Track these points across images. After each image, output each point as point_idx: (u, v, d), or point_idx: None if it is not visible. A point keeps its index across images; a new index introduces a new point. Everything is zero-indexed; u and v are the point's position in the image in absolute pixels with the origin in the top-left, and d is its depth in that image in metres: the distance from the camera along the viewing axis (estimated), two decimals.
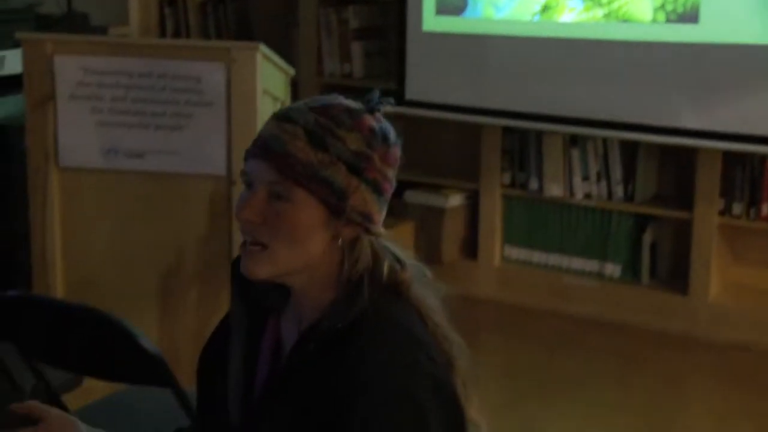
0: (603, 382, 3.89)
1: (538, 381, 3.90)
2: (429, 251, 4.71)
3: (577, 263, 4.54)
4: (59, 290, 3.22)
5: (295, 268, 1.46)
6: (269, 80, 3.14)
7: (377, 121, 1.50)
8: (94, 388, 2.79)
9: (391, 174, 1.51)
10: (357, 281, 1.46)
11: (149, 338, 2.27)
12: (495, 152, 4.61)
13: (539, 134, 4.50)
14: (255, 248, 1.46)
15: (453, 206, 4.72)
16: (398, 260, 1.50)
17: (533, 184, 4.56)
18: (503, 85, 4.35)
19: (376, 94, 1.53)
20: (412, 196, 4.76)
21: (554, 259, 4.58)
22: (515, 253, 4.66)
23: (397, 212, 4.80)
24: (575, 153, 4.46)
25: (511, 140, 4.60)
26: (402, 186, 4.79)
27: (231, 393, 1.54)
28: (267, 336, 1.55)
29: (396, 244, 1.53)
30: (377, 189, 1.48)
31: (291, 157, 1.43)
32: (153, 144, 3.14)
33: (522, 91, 4.31)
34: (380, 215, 1.50)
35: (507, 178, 4.63)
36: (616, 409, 3.69)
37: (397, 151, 1.52)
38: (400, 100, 4.47)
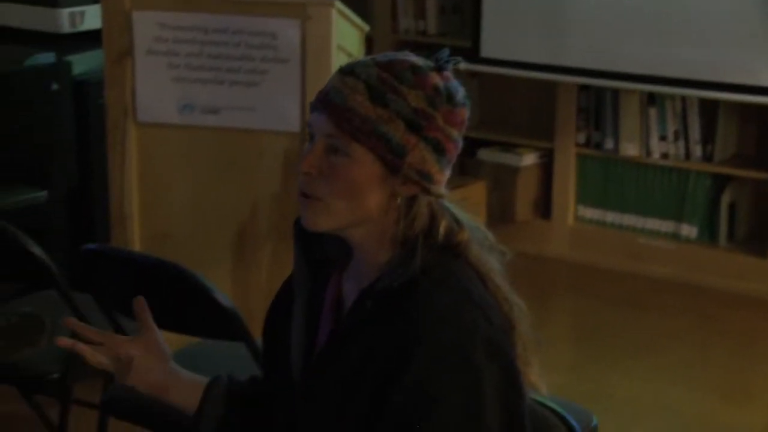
0: (677, 344, 3.85)
1: (609, 342, 3.87)
2: (502, 210, 4.69)
3: (653, 224, 4.48)
4: (136, 244, 3.27)
5: (352, 222, 1.46)
6: (344, 37, 3.14)
7: (444, 80, 1.49)
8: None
9: (456, 135, 1.49)
10: (414, 240, 1.45)
11: (223, 293, 2.30)
12: (570, 111, 4.56)
13: (616, 93, 4.44)
14: (311, 200, 1.47)
15: (527, 165, 4.68)
16: (456, 221, 1.49)
17: (609, 144, 4.51)
18: (580, 42, 4.29)
19: (446, 52, 1.52)
20: (485, 155, 4.74)
21: (629, 219, 4.53)
22: (589, 213, 4.62)
23: (470, 171, 4.79)
24: (653, 112, 4.38)
25: (587, 99, 4.54)
26: (475, 144, 4.80)
27: (293, 349, 1.55)
28: (329, 293, 1.56)
29: (459, 206, 1.52)
30: (438, 148, 1.46)
31: (349, 111, 1.43)
32: (228, 100, 3.15)
33: (599, 49, 4.24)
34: (441, 175, 1.48)
35: (582, 138, 4.58)
36: (690, 370, 3.66)
37: (464, 112, 1.50)
38: (475, 57, 4.43)
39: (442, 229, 1.46)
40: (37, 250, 2.53)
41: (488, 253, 1.52)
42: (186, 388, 1.64)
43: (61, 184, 3.82)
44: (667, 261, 4.40)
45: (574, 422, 1.68)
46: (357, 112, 1.43)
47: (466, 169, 4.81)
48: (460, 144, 1.51)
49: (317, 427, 1.48)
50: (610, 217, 4.58)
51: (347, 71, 1.47)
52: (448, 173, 1.50)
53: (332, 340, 1.51)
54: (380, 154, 1.43)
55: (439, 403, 1.37)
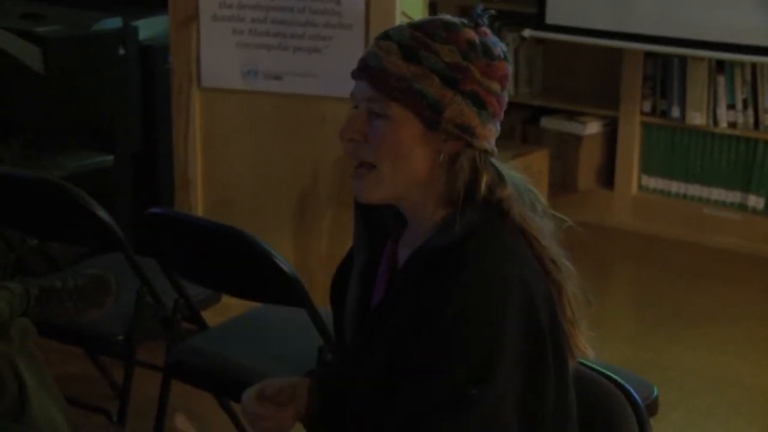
0: (740, 316, 3.80)
1: (671, 313, 3.84)
2: (564, 179, 4.66)
3: (718, 194, 4.42)
4: (199, 209, 3.30)
5: (403, 187, 1.47)
6: (408, 2, 3.12)
7: (481, 35, 1.49)
8: (232, 305, 2.87)
9: (497, 88, 1.49)
10: (458, 197, 1.46)
11: (284, 258, 2.32)
12: (636, 78, 4.49)
13: (683, 60, 4.36)
14: (362, 170, 1.48)
15: (590, 133, 4.64)
16: (500, 176, 1.49)
17: (675, 112, 4.44)
18: (646, 8, 4.22)
19: (479, 8, 1.53)
20: (548, 123, 4.70)
21: (694, 189, 4.47)
22: (653, 182, 4.57)
23: (532, 139, 4.75)
24: (721, 80, 4.30)
25: (653, 66, 4.47)
26: (539, 112, 4.76)
27: (347, 314, 1.58)
28: (384, 260, 1.57)
29: (508, 165, 1.52)
30: (477, 101, 1.47)
31: (384, 72, 1.45)
32: (291, 66, 3.16)
33: (666, 15, 4.17)
34: (484, 129, 1.48)
35: (647, 106, 4.51)
36: (753, 342, 3.61)
37: (504, 66, 1.50)
38: (541, 24, 4.38)
39: (483, 184, 1.47)
40: (103, 214, 2.57)
41: (540, 216, 1.51)
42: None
43: (127, 148, 3.86)
44: (732, 232, 4.34)
45: (634, 393, 1.67)
46: (391, 72, 1.45)
47: (528, 137, 4.78)
48: (505, 99, 1.51)
49: (368, 388, 1.49)
50: (675, 186, 4.52)
51: (382, 35, 1.50)
52: (494, 128, 1.51)
53: (382, 303, 1.53)
54: (418, 111, 1.44)
55: (455, 354, 1.39)
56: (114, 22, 3.79)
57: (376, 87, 1.45)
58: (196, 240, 2.49)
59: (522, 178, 1.53)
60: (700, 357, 3.52)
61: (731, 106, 4.31)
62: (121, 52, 3.78)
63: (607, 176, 4.67)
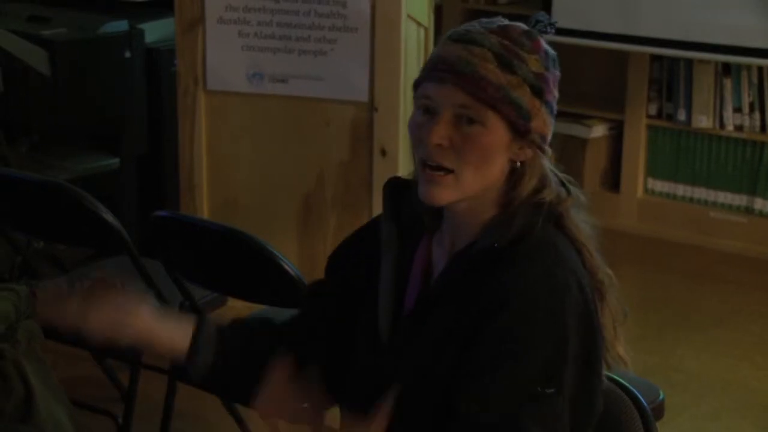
0: (746, 319, 3.80)
1: (677, 316, 3.83)
2: None
3: (724, 197, 4.41)
4: (205, 212, 3.31)
5: (476, 191, 1.47)
6: (414, 5, 3.12)
7: (545, 43, 1.52)
8: (237, 308, 2.87)
9: (557, 96, 1.52)
10: (518, 203, 1.46)
11: (289, 261, 2.32)
12: (642, 81, 4.49)
13: (689, 63, 4.36)
14: (439, 173, 1.46)
15: (596, 137, 4.63)
16: (564, 186, 1.50)
17: (681, 115, 4.43)
18: (652, 11, 4.21)
19: (545, 16, 1.53)
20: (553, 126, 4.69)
21: (700, 192, 4.47)
22: (659, 185, 4.56)
23: None
24: (727, 83, 4.30)
25: (659, 69, 4.47)
26: None
27: (381, 311, 1.55)
28: (418, 257, 1.56)
29: (558, 167, 1.53)
30: (552, 111, 1.50)
31: (483, 80, 1.44)
32: (297, 69, 3.16)
33: (672, 18, 4.17)
34: (551, 137, 1.51)
35: (653, 109, 4.51)
36: (759, 346, 3.60)
37: (559, 75, 1.53)
38: None
39: (551, 193, 1.48)
40: (108, 217, 2.57)
41: (583, 217, 1.53)
42: (174, 329, 1.57)
43: (133, 151, 3.87)
44: (739, 235, 4.33)
45: (640, 396, 1.66)
46: (490, 81, 1.44)
47: None
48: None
49: (408, 387, 1.48)
50: (681, 190, 4.51)
51: (467, 40, 1.47)
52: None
53: (423, 302, 1.52)
54: (512, 120, 1.45)
55: (524, 352, 1.39)
56: (120, 26, 3.80)
57: (473, 94, 1.44)
58: (201, 242, 2.49)
59: (567, 178, 1.54)
60: (706, 360, 3.52)
61: (738, 109, 4.31)
62: (127, 55, 3.79)
63: (613, 179, 4.66)
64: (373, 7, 3.04)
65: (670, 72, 4.45)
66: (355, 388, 1.57)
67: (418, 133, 1.47)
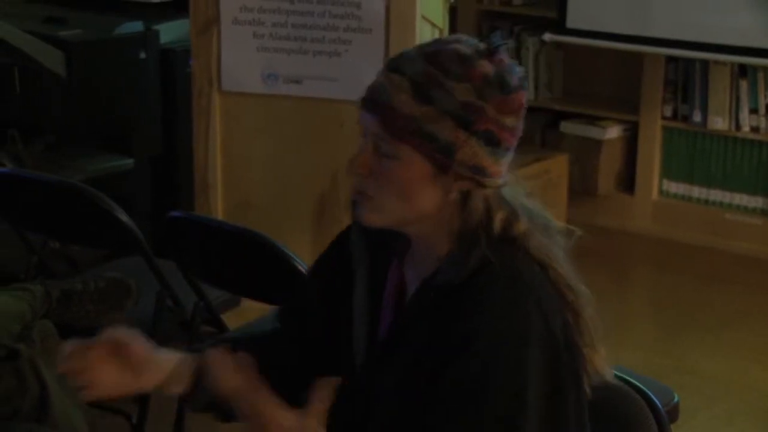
0: (762, 322, 3.78)
1: (692, 318, 3.82)
2: (584, 183, 4.64)
3: (740, 199, 4.39)
4: (219, 212, 3.31)
5: (406, 220, 1.44)
6: (428, 7, 3.12)
7: (496, 65, 1.41)
8: (251, 309, 2.87)
9: (513, 122, 1.43)
10: (472, 234, 1.41)
11: (303, 262, 2.32)
12: (657, 83, 4.48)
13: (705, 64, 4.34)
14: (364, 198, 1.44)
15: (610, 138, 4.62)
16: (514, 212, 1.44)
17: (696, 117, 4.42)
18: (668, 12, 4.20)
19: (498, 35, 1.44)
20: (568, 127, 4.68)
21: (715, 194, 4.45)
22: (674, 187, 4.55)
23: (552, 143, 4.74)
24: (744, 84, 4.28)
25: (675, 70, 4.46)
26: (558, 116, 4.74)
27: (356, 335, 1.53)
28: (391, 279, 1.53)
29: (519, 191, 1.47)
30: (491, 141, 1.40)
31: (393, 111, 1.38)
32: (311, 70, 3.17)
33: (687, 19, 4.15)
34: (497, 166, 1.42)
35: (668, 110, 4.50)
36: None
37: (520, 97, 1.43)
38: (561, 28, 4.37)
39: (498, 223, 1.42)
40: (123, 217, 2.58)
41: (550, 238, 1.47)
42: (173, 376, 1.57)
43: (147, 151, 3.88)
44: (755, 237, 4.31)
45: (655, 398, 1.66)
46: (401, 112, 1.38)
47: (548, 142, 4.76)
48: (520, 128, 1.45)
49: (381, 413, 1.47)
50: (696, 191, 4.50)
51: (393, 67, 1.42)
52: (507, 161, 1.45)
53: (394, 330, 1.49)
54: (428, 154, 1.38)
55: (484, 395, 1.37)
56: (135, 26, 3.81)
57: (385, 125, 1.39)
58: (215, 243, 2.49)
59: (533, 203, 1.48)
60: (720, 363, 3.50)
61: (754, 111, 4.29)
62: (143, 56, 3.80)
63: (628, 181, 4.65)
64: (387, 8, 3.04)
65: (686, 73, 4.43)
66: (335, 410, 1.54)
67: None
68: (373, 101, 1.42)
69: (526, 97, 1.44)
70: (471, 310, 1.39)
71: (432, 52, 1.41)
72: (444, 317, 1.41)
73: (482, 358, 1.37)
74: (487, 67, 1.40)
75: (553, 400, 1.39)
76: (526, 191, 1.48)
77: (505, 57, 1.43)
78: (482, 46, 1.42)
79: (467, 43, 1.43)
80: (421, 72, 1.39)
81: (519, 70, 1.44)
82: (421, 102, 1.38)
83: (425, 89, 1.38)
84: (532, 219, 1.46)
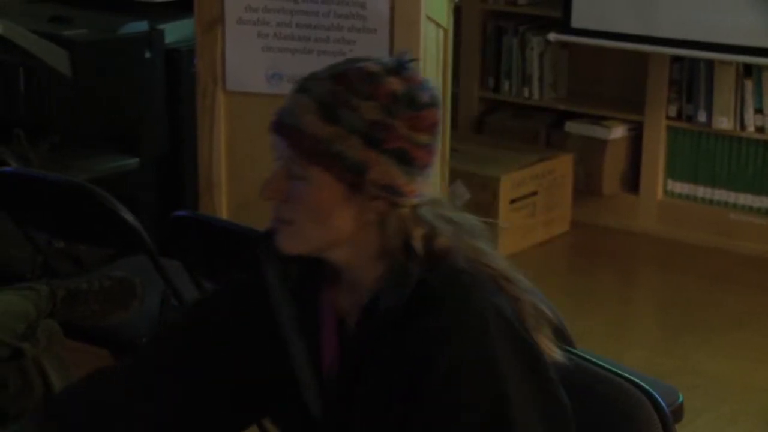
0: (765, 321, 3.78)
1: (696, 319, 3.81)
2: (589, 183, 4.64)
3: (745, 199, 4.39)
4: (224, 212, 3.31)
5: (326, 244, 1.41)
6: (433, 7, 3.12)
7: (406, 83, 1.40)
8: None
9: (426, 139, 1.40)
10: (402, 252, 1.40)
11: None
12: (662, 83, 4.47)
13: (710, 64, 4.34)
14: (282, 225, 1.42)
15: (615, 138, 4.62)
16: (433, 228, 1.41)
17: (701, 117, 4.41)
18: (673, 11, 4.20)
19: (407, 53, 1.44)
20: (573, 127, 4.68)
21: (720, 194, 4.45)
22: (678, 187, 4.54)
23: (557, 143, 4.74)
24: (749, 84, 4.28)
25: (680, 70, 4.45)
26: (563, 116, 4.74)
27: (301, 375, 1.47)
28: (326, 312, 1.48)
29: (439, 204, 1.45)
30: (403, 159, 1.38)
31: (300, 133, 1.37)
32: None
33: (692, 18, 4.15)
34: (412, 185, 1.40)
35: (673, 110, 4.49)
36: None
37: (433, 114, 1.41)
38: (566, 27, 4.37)
39: (417, 242, 1.39)
40: (128, 217, 2.58)
41: (478, 239, 1.45)
42: None
43: (152, 151, 3.88)
44: (759, 237, 4.31)
45: (659, 398, 1.66)
46: (308, 133, 1.37)
47: (552, 142, 4.76)
48: (437, 145, 1.43)
49: None
50: (701, 191, 4.49)
51: (300, 88, 1.41)
52: (424, 179, 1.42)
53: (345, 366, 1.45)
54: (338, 175, 1.37)
55: (466, 406, 1.36)
56: (140, 26, 3.82)
57: (293, 147, 1.38)
58: (220, 242, 2.49)
59: (455, 212, 1.46)
60: (725, 363, 3.50)
61: (759, 111, 4.28)
62: (147, 55, 3.80)
63: (632, 181, 4.65)
64: (392, 8, 3.04)
65: (691, 73, 4.43)
66: None
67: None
68: (282, 124, 1.40)
69: (439, 114, 1.43)
70: (425, 328, 1.37)
71: (339, 72, 1.40)
72: (399, 342, 1.39)
73: (452, 371, 1.35)
74: (395, 84, 1.39)
75: (533, 381, 1.39)
76: (445, 204, 1.46)
77: (416, 74, 1.42)
78: (391, 63, 1.41)
79: (377, 61, 1.42)
80: (328, 92, 1.38)
81: (431, 88, 1.43)
82: (328, 122, 1.37)
83: (332, 109, 1.37)
84: (457, 226, 1.44)
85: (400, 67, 1.41)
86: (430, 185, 1.44)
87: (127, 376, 1.53)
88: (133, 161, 3.86)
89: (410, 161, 1.39)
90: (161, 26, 3.84)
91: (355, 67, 1.40)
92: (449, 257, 1.41)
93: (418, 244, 1.39)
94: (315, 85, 1.40)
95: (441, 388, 1.36)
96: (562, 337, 2.08)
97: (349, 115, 1.37)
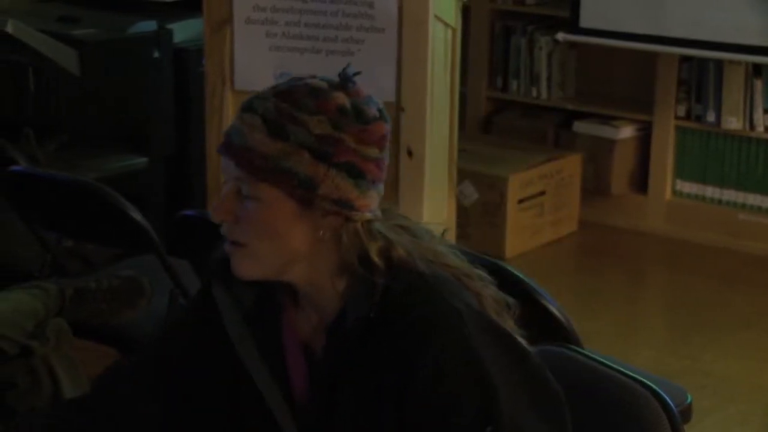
0: None
1: (705, 319, 3.81)
2: (597, 183, 4.63)
3: (754, 199, 4.38)
4: None
5: (283, 264, 1.40)
6: (441, 6, 3.12)
7: (353, 97, 1.40)
8: None
9: (375, 153, 1.40)
10: (362, 263, 1.39)
11: None
12: (671, 83, 4.47)
13: (719, 64, 4.33)
14: (235, 247, 1.40)
15: (624, 138, 4.61)
16: (389, 241, 1.41)
17: (710, 117, 4.41)
18: (681, 11, 4.19)
19: (351, 69, 1.43)
20: (581, 127, 4.67)
21: (729, 194, 4.44)
22: (687, 187, 4.53)
23: (565, 143, 4.73)
24: (758, 84, 4.27)
25: (689, 70, 4.44)
26: (571, 116, 4.73)
27: (270, 401, 1.45)
28: (287, 336, 1.47)
29: (390, 214, 1.45)
30: (353, 172, 1.38)
31: (249, 151, 1.36)
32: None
33: (701, 18, 4.14)
34: (365, 198, 1.40)
35: (682, 110, 4.48)
36: None
37: (381, 128, 1.41)
38: (574, 27, 4.36)
39: (375, 256, 1.39)
40: (136, 216, 2.59)
41: (432, 240, 1.46)
42: None
43: (160, 150, 3.89)
44: (767, 237, 4.30)
45: (667, 398, 1.65)
46: (257, 151, 1.36)
47: (561, 141, 4.76)
48: (386, 160, 1.43)
49: None
50: (710, 191, 4.48)
51: (246, 107, 1.40)
52: (376, 193, 1.42)
53: (320, 386, 1.44)
54: (289, 191, 1.36)
55: (456, 411, 1.35)
56: (149, 26, 3.82)
57: (242, 167, 1.36)
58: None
59: (408, 220, 1.47)
60: (734, 364, 3.49)
61: None
62: (156, 55, 3.81)
63: (641, 181, 4.64)
64: (400, 8, 3.03)
65: (700, 73, 4.42)
66: None
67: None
68: (230, 145, 1.39)
69: (387, 128, 1.43)
70: (399, 335, 1.37)
71: (284, 89, 1.40)
72: (372, 356, 1.38)
73: (436, 372, 1.35)
74: (342, 98, 1.39)
75: (519, 368, 1.38)
76: (395, 212, 1.46)
77: (361, 89, 1.42)
78: (336, 80, 1.41)
79: (321, 78, 1.43)
80: (274, 109, 1.38)
81: (377, 102, 1.43)
82: (275, 139, 1.36)
83: (279, 125, 1.36)
84: (410, 232, 1.44)
85: (345, 82, 1.41)
86: (380, 200, 1.44)
87: (98, 406, 1.53)
88: (141, 160, 3.86)
89: (361, 174, 1.39)
90: (170, 26, 3.84)
91: (299, 84, 1.41)
92: (409, 264, 1.41)
93: (375, 258, 1.39)
94: (260, 103, 1.39)
95: (428, 391, 1.35)
96: (569, 336, 2.09)
97: (296, 130, 1.36)
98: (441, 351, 1.35)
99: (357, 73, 1.43)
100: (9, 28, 3.50)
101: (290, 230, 1.38)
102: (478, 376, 1.35)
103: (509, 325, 1.45)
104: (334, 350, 1.42)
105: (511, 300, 1.46)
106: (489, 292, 1.45)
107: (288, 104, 1.38)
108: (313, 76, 1.43)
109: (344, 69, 1.43)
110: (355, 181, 1.39)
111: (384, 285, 1.38)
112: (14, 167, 2.82)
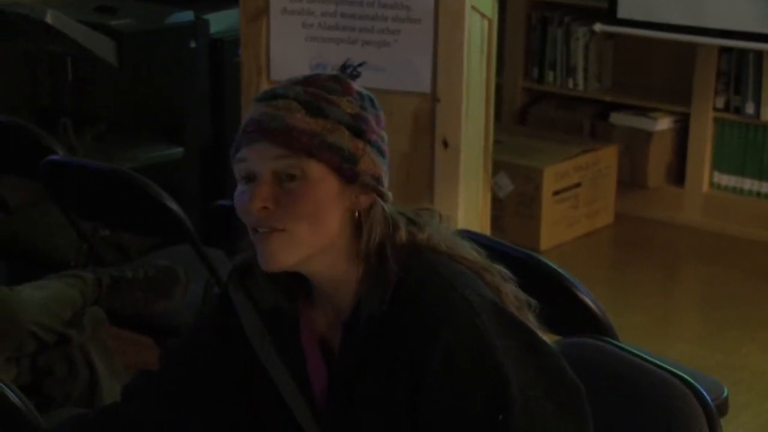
0: None
1: (741, 313, 3.77)
2: (634, 175, 4.60)
3: None
4: None
5: (315, 249, 1.40)
6: None
7: (360, 87, 1.47)
8: None
9: (386, 137, 1.46)
10: (378, 253, 1.40)
11: None
12: (709, 74, 4.42)
13: (759, 55, 4.28)
14: (273, 235, 1.39)
15: (661, 130, 4.57)
16: (412, 221, 1.44)
17: (749, 108, 4.36)
18: (720, 1, 4.14)
19: (353, 61, 1.48)
20: (618, 119, 4.64)
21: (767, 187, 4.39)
22: (725, 180, 4.49)
23: (601, 134, 4.70)
24: None
25: (728, 61, 4.40)
26: (608, 107, 4.70)
27: (292, 403, 1.47)
28: (305, 336, 1.48)
29: (397, 205, 1.46)
30: (381, 150, 1.44)
31: (294, 130, 1.38)
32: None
33: (741, 8, 4.10)
34: (387, 178, 1.45)
35: (720, 102, 4.44)
36: None
37: (383, 117, 1.47)
38: (612, 18, 4.33)
39: (403, 232, 1.42)
40: (173, 206, 2.60)
41: (446, 231, 1.47)
42: None
43: (196, 140, 3.90)
44: None
45: (705, 392, 1.64)
46: (301, 129, 1.38)
47: (597, 133, 4.73)
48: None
49: None
50: (748, 184, 4.44)
51: (270, 96, 1.42)
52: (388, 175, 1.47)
53: (340, 383, 1.44)
54: (335, 166, 1.39)
55: (465, 393, 1.35)
56: (186, 16, 3.84)
57: (289, 146, 1.37)
58: None
59: (411, 210, 1.48)
60: None
61: None
62: (193, 45, 3.82)
63: (678, 173, 4.60)
64: None
65: (739, 64, 4.37)
66: None
67: (241, 201, 1.42)
68: (265, 130, 1.39)
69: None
70: (412, 325, 1.37)
71: (304, 79, 1.44)
72: (388, 349, 1.39)
73: (447, 361, 1.35)
74: (356, 85, 1.46)
75: (534, 359, 1.38)
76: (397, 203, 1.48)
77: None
78: (344, 72, 1.47)
79: (330, 71, 1.47)
80: (303, 92, 1.41)
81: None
82: (316, 117, 1.39)
83: (316, 105, 1.40)
84: (422, 220, 1.46)
85: (353, 75, 1.47)
86: None
87: (128, 414, 1.56)
88: (177, 150, 3.88)
89: (384, 154, 1.45)
90: (206, 16, 3.86)
91: (316, 74, 1.46)
92: (424, 249, 1.43)
93: (402, 235, 1.42)
94: (286, 91, 1.42)
95: (439, 382, 1.35)
96: (604, 329, 2.08)
97: (332, 109, 1.41)
98: (451, 342, 1.36)
99: (362, 63, 1.48)
100: (48, 18, 3.53)
101: (329, 209, 1.40)
102: (489, 365, 1.35)
103: (529, 321, 1.44)
104: (351, 346, 1.43)
105: (533, 301, 1.46)
106: (509, 288, 1.46)
107: (316, 88, 1.42)
108: (318, 73, 1.48)
109: (346, 61, 1.48)
110: (383, 160, 1.44)
111: (398, 272, 1.40)
112: (52, 157, 2.84)
